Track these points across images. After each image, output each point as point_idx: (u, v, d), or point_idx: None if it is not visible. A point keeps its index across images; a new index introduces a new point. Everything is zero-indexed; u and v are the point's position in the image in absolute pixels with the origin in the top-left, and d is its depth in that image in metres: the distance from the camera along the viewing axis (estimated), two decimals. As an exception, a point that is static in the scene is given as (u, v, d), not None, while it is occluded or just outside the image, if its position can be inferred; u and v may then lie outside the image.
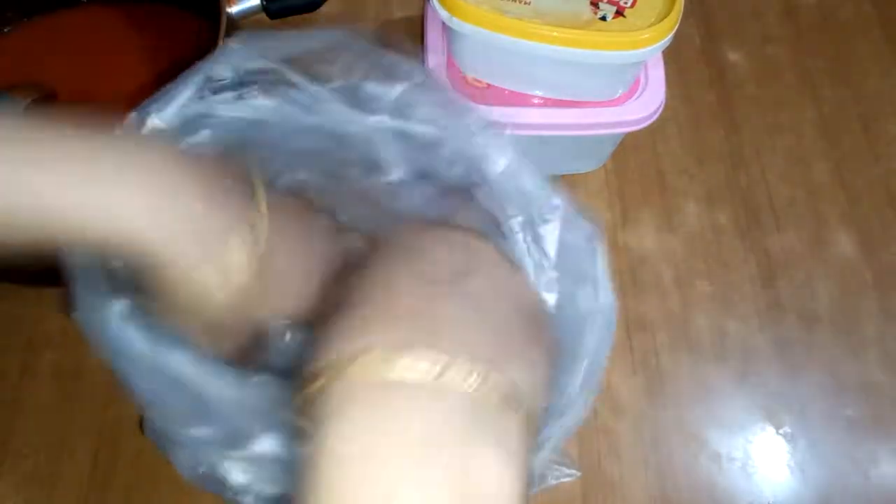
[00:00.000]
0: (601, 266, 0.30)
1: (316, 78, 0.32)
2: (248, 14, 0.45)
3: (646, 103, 0.43)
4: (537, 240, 0.31)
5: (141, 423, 0.33)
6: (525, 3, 0.38)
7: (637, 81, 0.43)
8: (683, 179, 0.52)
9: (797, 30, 0.57)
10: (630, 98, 0.43)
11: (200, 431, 0.28)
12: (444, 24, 0.38)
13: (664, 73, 0.44)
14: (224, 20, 0.41)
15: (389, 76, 0.31)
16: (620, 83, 0.42)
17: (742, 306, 0.48)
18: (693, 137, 0.53)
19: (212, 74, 0.30)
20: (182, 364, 0.27)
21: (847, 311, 0.48)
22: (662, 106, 0.43)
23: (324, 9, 0.48)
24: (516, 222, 0.31)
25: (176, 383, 0.27)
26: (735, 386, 0.45)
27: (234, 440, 0.28)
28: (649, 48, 0.37)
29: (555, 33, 0.36)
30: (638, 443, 0.44)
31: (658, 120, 0.43)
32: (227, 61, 0.31)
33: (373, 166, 0.37)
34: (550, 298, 0.30)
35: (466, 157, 0.32)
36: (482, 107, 0.41)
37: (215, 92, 0.31)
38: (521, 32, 0.37)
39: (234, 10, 0.44)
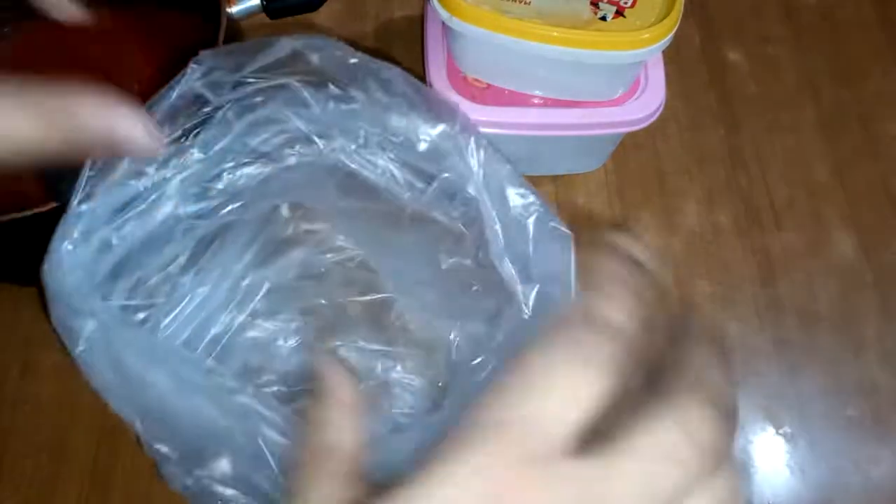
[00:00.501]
0: (572, 269, 0.30)
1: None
2: (248, 14, 0.45)
3: (646, 103, 0.43)
4: (516, 239, 0.32)
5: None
6: (525, 3, 0.38)
7: (637, 81, 0.43)
8: (683, 179, 0.52)
9: (797, 30, 0.57)
10: (630, 98, 0.43)
11: (167, 448, 0.29)
12: (444, 24, 0.38)
13: (664, 73, 0.44)
14: (224, 21, 0.41)
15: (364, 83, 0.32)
16: (620, 83, 0.42)
17: (742, 306, 0.48)
18: (693, 137, 0.53)
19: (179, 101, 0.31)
20: (157, 385, 0.27)
21: (847, 311, 0.48)
22: (662, 106, 0.43)
23: (324, 9, 0.48)
24: (494, 221, 0.32)
25: (149, 402, 0.28)
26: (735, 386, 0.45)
27: (200, 459, 0.28)
28: (649, 48, 0.37)
29: (555, 33, 0.36)
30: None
31: (658, 120, 0.43)
32: (191, 83, 0.31)
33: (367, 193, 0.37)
34: (528, 299, 0.31)
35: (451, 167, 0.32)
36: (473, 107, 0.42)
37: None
38: (521, 32, 0.37)
39: (234, 10, 0.44)
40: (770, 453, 0.44)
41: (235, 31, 0.45)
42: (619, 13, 0.38)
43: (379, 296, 0.45)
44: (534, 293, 0.31)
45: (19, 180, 0.39)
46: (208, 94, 0.32)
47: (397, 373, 0.43)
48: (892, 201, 0.51)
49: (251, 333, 0.43)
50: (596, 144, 0.49)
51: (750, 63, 0.56)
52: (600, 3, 0.38)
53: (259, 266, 0.43)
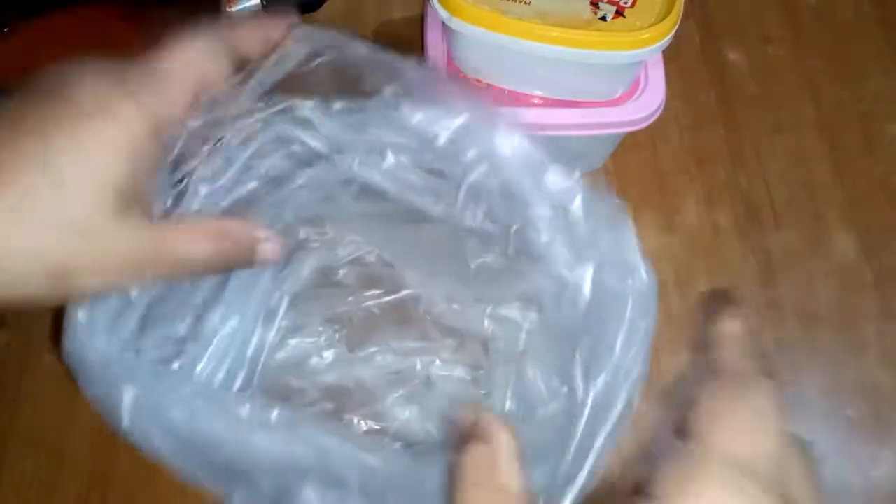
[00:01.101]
0: (633, 245, 0.29)
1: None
2: (247, 14, 0.45)
3: (646, 103, 0.43)
4: (565, 226, 0.30)
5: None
6: (525, 3, 0.38)
7: (637, 81, 0.43)
8: (683, 179, 0.52)
9: (797, 30, 0.57)
10: (630, 98, 0.43)
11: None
12: (444, 24, 0.38)
13: (664, 73, 0.44)
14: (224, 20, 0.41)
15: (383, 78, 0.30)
16: (620, 83, 0.42)
17: (742, 306, 0.48)
18: (693, 137, 0.53)
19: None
20: (219, 427, 0.26)
21: (847, 311, 0.48)
22: (662, 106, 0.43)
23: (324, 9, 0.48)
24: (542, 208, 0.30)
25: (212, 449, 0.26)
26: (735, 386, 0.45)
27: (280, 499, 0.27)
28: (649, 48, 0.37)
29: (555, 33, 0.36)
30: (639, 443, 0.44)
31: (658, 120, 0.43)
32: None
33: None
34: (585, 285, 0.29)
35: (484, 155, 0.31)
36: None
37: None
38: (521, 32, 0.37)
39: (233, 9, 0.44)
40: (770, 453, 0.44)
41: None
42: (619, 13, 0.38)
43: (403, 293, 0.44)
44: (589, 275, 0.29)
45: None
46: (211, 133, 0.29)
47: (437, 367, 0.43)
48: (892, 201, 0.51)
49: (283, 355, 0.43)
50: (596, 144, 0.49)
51: (750, 63, 0.56)
52: (600, 3, 0.38)
53: (276, 281, 0.43)
